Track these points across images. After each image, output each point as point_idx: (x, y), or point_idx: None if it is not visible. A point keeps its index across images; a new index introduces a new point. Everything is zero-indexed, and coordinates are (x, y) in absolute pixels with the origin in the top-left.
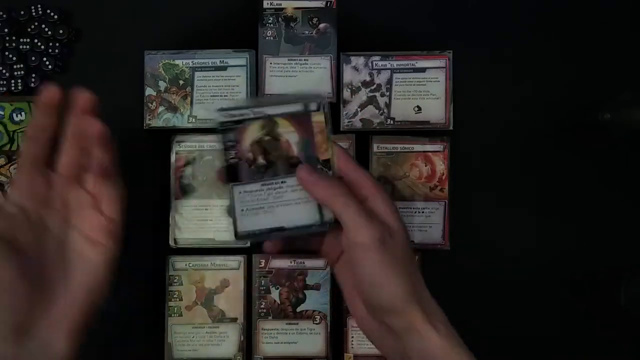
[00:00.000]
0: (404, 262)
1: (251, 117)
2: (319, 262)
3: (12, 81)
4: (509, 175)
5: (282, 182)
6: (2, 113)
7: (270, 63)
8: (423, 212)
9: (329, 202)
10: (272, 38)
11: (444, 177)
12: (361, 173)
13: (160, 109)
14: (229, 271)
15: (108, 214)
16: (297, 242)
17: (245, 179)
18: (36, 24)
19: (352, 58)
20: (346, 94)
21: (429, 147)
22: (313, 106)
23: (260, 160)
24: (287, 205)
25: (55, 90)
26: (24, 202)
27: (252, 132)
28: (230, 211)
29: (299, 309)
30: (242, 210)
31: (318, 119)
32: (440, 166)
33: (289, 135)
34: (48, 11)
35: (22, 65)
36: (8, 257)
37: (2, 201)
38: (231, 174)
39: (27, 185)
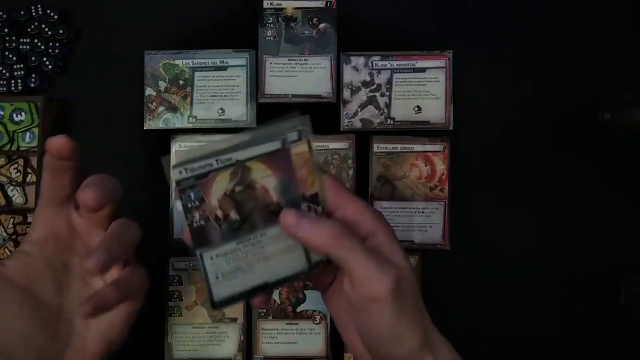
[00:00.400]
0: (417, 308)
1: (216, 167)
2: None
3: (12, 81)
4: (509, 175)
5: (260, 235)
6: (2, 113)
7: (270, 63)
8: (423, 212)
9: (329, 250)
10: (272, 38)
11: (444, 177)
12: (358, 204)
13: (160, 109)
14: None
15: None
16: None
17: (216, 241)
18: (36, 24)
19: (352, 58)
20: (346, 94)
21: (429, 147)
22: (293, 136)
23: (233, 216)
24: (269, 259)
25: (64, 143)
26: (44, 243)
27: (220, 185)
28: (204, 280)
29: (299, 309)
30: (217, 277)
31: (300, 149)
32: (440, 166)
33: (265, 180)
34: (48, 11)
35: (22, 65)
36: (23, 306)
37: (22, 243)
38: (199, 239)
39: (47, 224)
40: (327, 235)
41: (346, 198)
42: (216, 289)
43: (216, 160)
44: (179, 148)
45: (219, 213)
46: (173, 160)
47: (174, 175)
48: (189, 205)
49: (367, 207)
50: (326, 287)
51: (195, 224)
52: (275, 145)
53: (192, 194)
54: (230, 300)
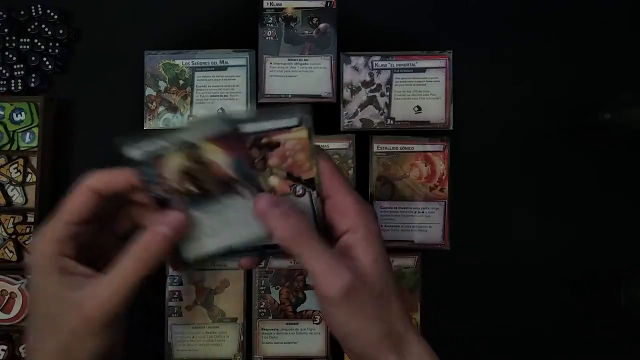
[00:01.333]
0: (378, 306)
1: (166, 146)
2: None
3: (12, 81)
4: (509, 175)
5: (222, 206)
6: (2, 113)
7: (270, 63)
8: (423, 212)
9: (290, 245)
10: (272, 38)
11: (444, 177)
12: (347, 197)
13: (160, 109)
14: (229, 271)
15: None
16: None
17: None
18: (36, 24)
19: (352, 58)
20: (346, 94)
21: (429, 147)
22: (293, 121)
23: (192, 189)
24: (231, 225)
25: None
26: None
27: (174, 163)
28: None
29: (299, 309)
30: (184, 240)
31: (299, 135)
32: (440, 166)
33: (217, 157)
34: (48, 11)
35: (22, 65)
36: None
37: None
38: (163, 207)
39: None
40: (292, 231)
41: (338, 188)
42: (184, 249)
43: (167, 142)
44: None
45: (179, 187)
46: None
47: (126, 153)
48: (147, 179)
49: (355, 202)
50: None
51: (158, 196)
52: (292, 122)
53: (149, 170)
54: (199, 260)
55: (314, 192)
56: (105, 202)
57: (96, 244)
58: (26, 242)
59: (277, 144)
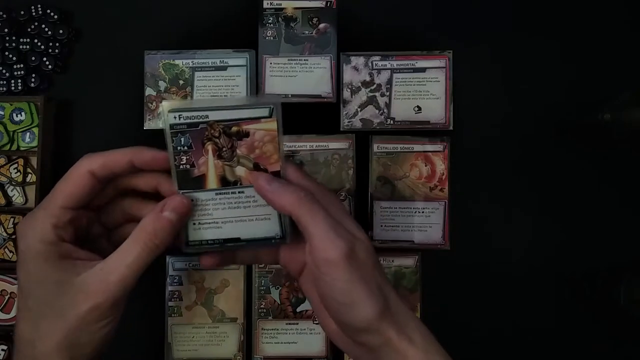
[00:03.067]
0: (374, 276)
1: (207, 121)
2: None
3: (12, 81)
4: (508, 175)
5: (239, 192)
6: (2, 113)
7: (270, 63)
8: (423, 212)
9: (293, 211)
10: (272, 38)
11: (444, 177)
12: (314, 183)
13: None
14: (229, 271)
15: None
16: (242, 255)
17: (197, 187)
18: (36, 24)
19: (352, 58)
20: (346, 94)
21: (429, 147)
22: (264, 112)
23: (216, 167)
24: (245, 215)
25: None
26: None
27: (208, 135)
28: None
29: (299, 309)
30: (194, 223)
31: (269, 126)
32: (440, 166)
33: (249, 142)
34: (48, 11)
35: (22, 65)
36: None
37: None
38: (183, 181)
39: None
40: (294, 198)
41: (303, 177)
42: (192, 233)
43: (208, 115)
44: None
45: (206, 161)
46: (169, 106)
47: (169, 120)
48: (179, 148)
49: (324, 187)
50: (300, 272)
51: (181, 167)
52: (263, 112)
53: (182, 139)
54: (203, 244)
55: None
56: (102, 186)
57: (87, 233)
58: None
59: (247, 134)
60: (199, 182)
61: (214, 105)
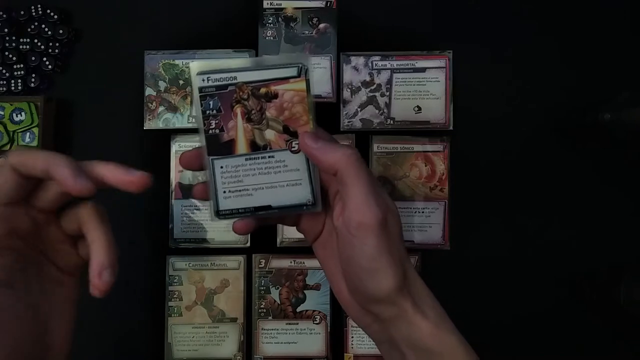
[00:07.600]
0: (398, 248)
1: (235, 82)
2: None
3: (12, 81)
4: (508, 175)
5: (269, 156)
6: (2, 113)
7: None
8: (423, 212)
9: (340, 168)
10: (272, 38)
11: (444, 177)
12: (346, 152)
13: (160, 109)
14: (229, 271)
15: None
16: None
17: (227, 151)
18: (36, 24)
19: (352, 58)
20: (346, 94)
21: (429, 147)
22: (292, 72)
23: (246, 131)
24: (276, 181)
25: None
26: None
27: (237, 101)
28: (211, 188)
29: (299, 309)
30: (224, 192)
31: (298, 87)
32: (440, 166)
33: (277, 100)
34: (48, 11)
35: (22, 65)
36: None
37: None
38: (212, 146)
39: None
40: (341, 156)
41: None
42: (222, 202)
43: (236, 76)
44: (179, 148)
45: (231, 125)
46: (198, 68)
47: (197, 82)
48: (207, 112)
49: (352, 156)
50: (316, 237)
51: (210, 131)
52: (291, 72)
53: (211, 102)
54: (234, 214)
55: None
56: (29, 184)
57: (42, 236)
58: None
59: (275, 95)
60: (229, 148)
61: (242, 66)
